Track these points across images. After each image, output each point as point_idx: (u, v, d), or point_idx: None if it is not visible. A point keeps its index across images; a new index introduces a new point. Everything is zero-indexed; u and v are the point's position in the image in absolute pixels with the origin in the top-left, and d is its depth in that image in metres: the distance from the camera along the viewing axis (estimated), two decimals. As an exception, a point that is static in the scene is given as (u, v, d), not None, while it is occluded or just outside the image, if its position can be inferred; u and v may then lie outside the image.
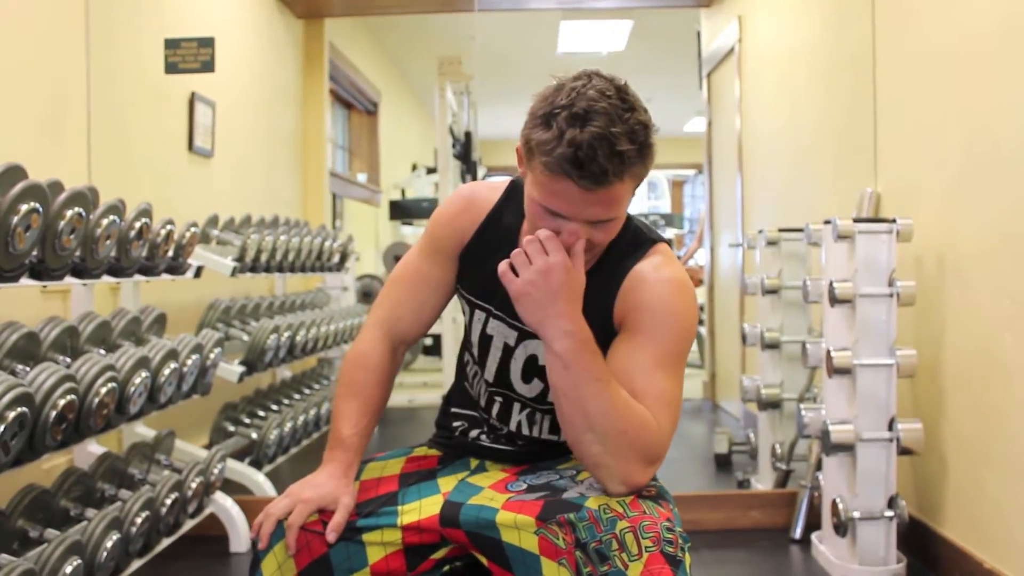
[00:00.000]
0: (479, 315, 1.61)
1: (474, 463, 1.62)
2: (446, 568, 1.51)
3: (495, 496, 1.47)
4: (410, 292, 1.64)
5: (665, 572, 1.29)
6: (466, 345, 1.68)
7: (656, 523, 1.33)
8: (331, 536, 1.43)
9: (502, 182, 1.63)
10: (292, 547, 1.43)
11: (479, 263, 1.59)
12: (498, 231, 1.59)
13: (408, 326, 1.65)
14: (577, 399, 1.37)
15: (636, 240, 1.53)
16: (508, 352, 1.59)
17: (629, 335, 1.46)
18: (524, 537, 1.38)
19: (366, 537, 1.46)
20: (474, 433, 1.64)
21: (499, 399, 1.62)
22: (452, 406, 1.70)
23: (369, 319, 1.67)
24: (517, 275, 1.40)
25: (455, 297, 1.68)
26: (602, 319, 1.48)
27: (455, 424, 1.67)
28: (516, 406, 1.61)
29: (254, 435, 3.79)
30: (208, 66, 3.66)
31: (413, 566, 1.47)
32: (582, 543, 1.33)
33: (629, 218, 1.54)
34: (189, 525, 2.98)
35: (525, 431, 1.61)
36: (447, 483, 1.55)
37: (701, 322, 6.88)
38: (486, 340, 1.61)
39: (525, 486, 1.50)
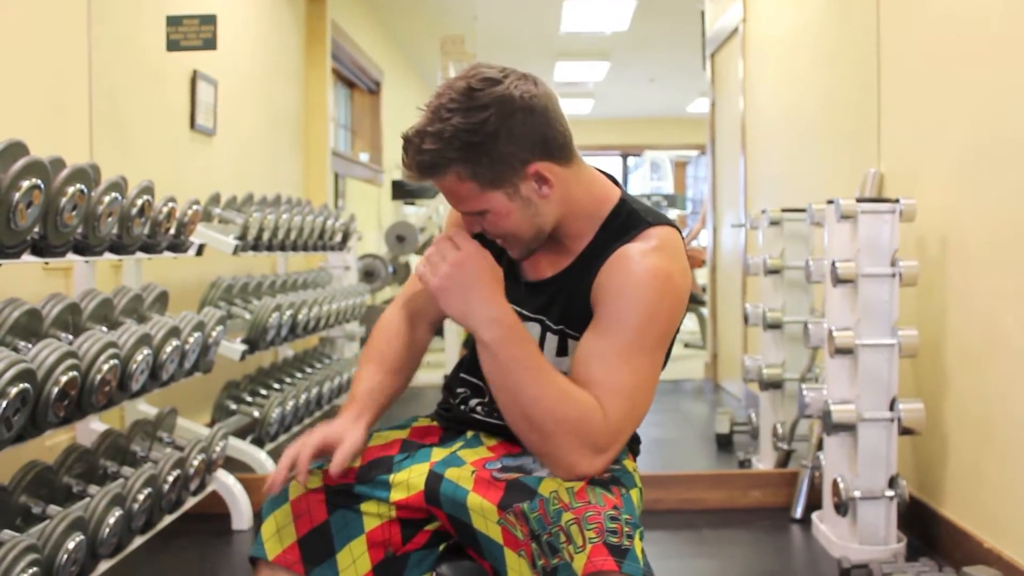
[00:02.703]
0: None
1: (470, 434, 1.62)
2: (442, 546, 1.52)
3: (471, 473, 1.48)
4: None
5: (608, 564, 1.26)
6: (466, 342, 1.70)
7: (600, 512, 1.32)
8: (334, 470, 1.44)
9: None
10: (302, 477, 1.44)
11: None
12: None
13: (424, 303, 1.65)
14: (508, 388, 1.38)
15: (628, 223, 1.49)
16: None
17: (596, 319, 1.43)
18: (490, 526, 1.41)
19: (363, 506, 1.48)
20: (472, 403, 1.64)
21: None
22: (462, 371, 1.69)
23: (398, 295, 1.72)
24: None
25: None
26: (586, 301, 1.47)
27: (459, 390, 1.67)
28: None
29: (256, 413, 3.79)
30: (210, 44, 3.64)
31: (408, 537, 1.49)
32: (535, 535, 1.34)
33: (623, 201, 1.52)
34: (191, 502, 2.99)
35: None
36: (440, 453, 1.56)
37: (703, 303, 6.89)
38: None
39: (500, 465, 1.50)
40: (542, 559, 1.32)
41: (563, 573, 1.29)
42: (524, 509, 1.36)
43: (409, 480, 1.50)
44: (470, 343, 1.70)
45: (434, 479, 1.48)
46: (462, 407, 1.65)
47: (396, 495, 1.48)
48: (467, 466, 1.50)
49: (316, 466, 1.50)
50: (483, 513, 1.41)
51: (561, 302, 1.51)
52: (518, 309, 1.51)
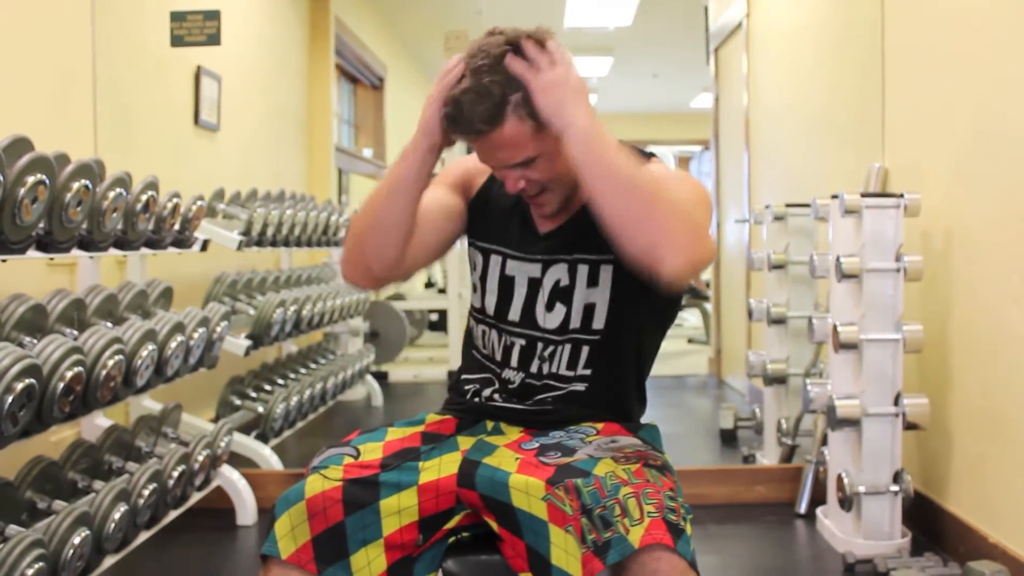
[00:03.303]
0: (495, 260, 1.66)
1: (490, 425, 1.63)
2: (451, 540, 1.51)
3: (509, 455, 1.49)
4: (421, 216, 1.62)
5: (666, 539, 1.30)
6: (477, 309, 1.70)
7: (659, 491, 1.36)
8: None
9: None
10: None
11: (488, 212, 1.67)
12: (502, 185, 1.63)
13: (414, 247, 1.61)
14: (610, 169, 1.37)
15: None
16: (535, 285, 1.62)
17: None
18: (534, 503, 1.39)
19: (383, 504, 1.46)
20: (487, 392, 1.65)
21: (520, 341, 1.63)
22: (463, 374, 1.72)
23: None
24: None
25: (466, 256, 1.72)
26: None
27: (466, 388, 1.69)
28: (539, 345, 1.62)
29: (260, 409, 3.80)
30: (214, 39, 3.64)
31: (426, 539, 1.47)
32: (587, 509, 1.34)
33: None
34: (196, 498, 3.00)
35: (545, 369, 1.62)
36: (466, 442, 1.57)
37: (707, 298, 6.88)
38: (507, 282, 1.65)
39: (537, 445, 1.52)
40: (593, 533, 1.32)
41: (617, 546, 1.30)
42: (577, 484, 1.37)
43: (440, 465, 1.50)
44: (469, 344, 1.73)
45: (469, 465, 1.49)
46: (475, 399, 1.66)
47: (425, 478, 1.48)
48: (502, 450, 1.52)
49: (335, 462, 1.50)
50: (527, 491, 1.40)
51: (582, 237, 1.56)
52: (531, 256, 1.60)
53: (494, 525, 1.46)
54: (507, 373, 1.65)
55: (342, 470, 1.48)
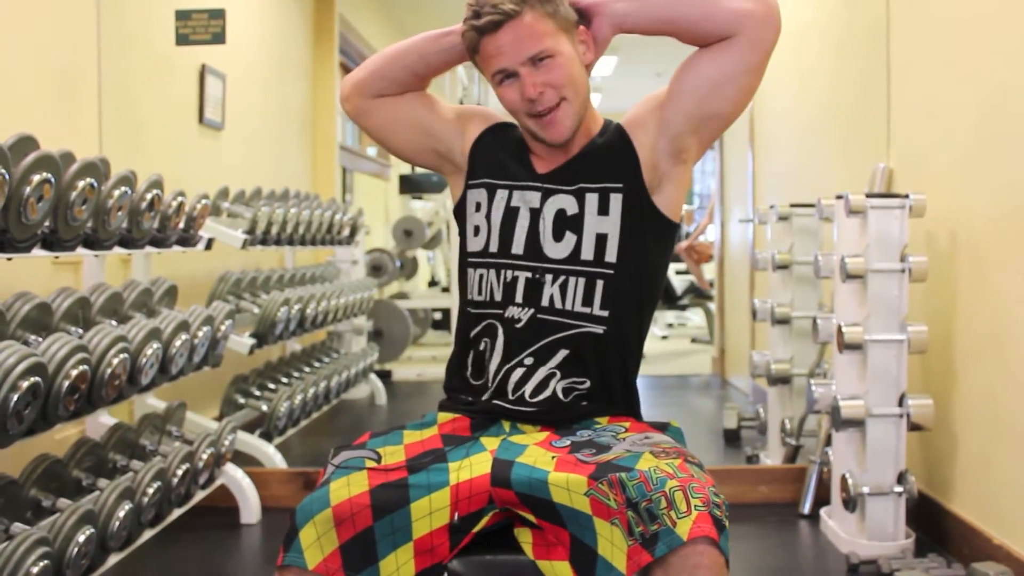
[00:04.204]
0: (501, 194, 1.68)
1: (507, 425, 1.62)
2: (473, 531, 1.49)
3: (542, 454, 1.49)
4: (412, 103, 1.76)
5: (712, 533, 1.30)
6: (476, 253, 1.69)
7: (704, 487, 1.36)
8: None
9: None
10: None
11: (490, 153, 1.73)
12: (506, 132, 1.76)
13: (390, 105, 1.76)
14: None
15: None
16: (536, 215, 1.64)
17: (675, 88, 1.64)
18: (575, 498, 1.40)
19: (415, 507, 1.43)
20: (485, 397, 1.65)
21: (525, 274, 1.63)
22: (466, 371, 1.71)
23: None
24: None
25: (465, 203, 1.74)
26: (621, 159, 1.64)
27: (464, 389, 1.70)
28: (548, 278, 1.62)
29: (264, 407, 3.80)
30: (219, 38, 3.65)
31: (455, 543, 1.45)
32: (633, 502, 1.35)
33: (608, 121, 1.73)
34: (200, 496, 3.00)
35: (558, 304, 1.61)
36: (491, 442, 1.56)
37: (710, 297, 6.88)
38: (511, 215, 1.66)
39: (569, 443, 1.52)
40: (640, 526, 1.33)
41: (665, 538, 1.30)
42: (622, 478, 1.37)
43: (471, 465, 1.49)
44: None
45: (502, 465, 1.47)
46: (480, 401, 1.65)
47: (457, 478, 1.47)
48: (533, 448, 1.51)
49: (356, 465, 1.48)
50: (568, 487, 1.40)
51: (584, 169, 1.64)
52: (536, 184, 1.66)
53: (531, 517, 1.45)
54: (511, 311, 1.63)
55: (366, 474, 1.46)
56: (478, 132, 1.75)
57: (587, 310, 1.61)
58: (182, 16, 3.62)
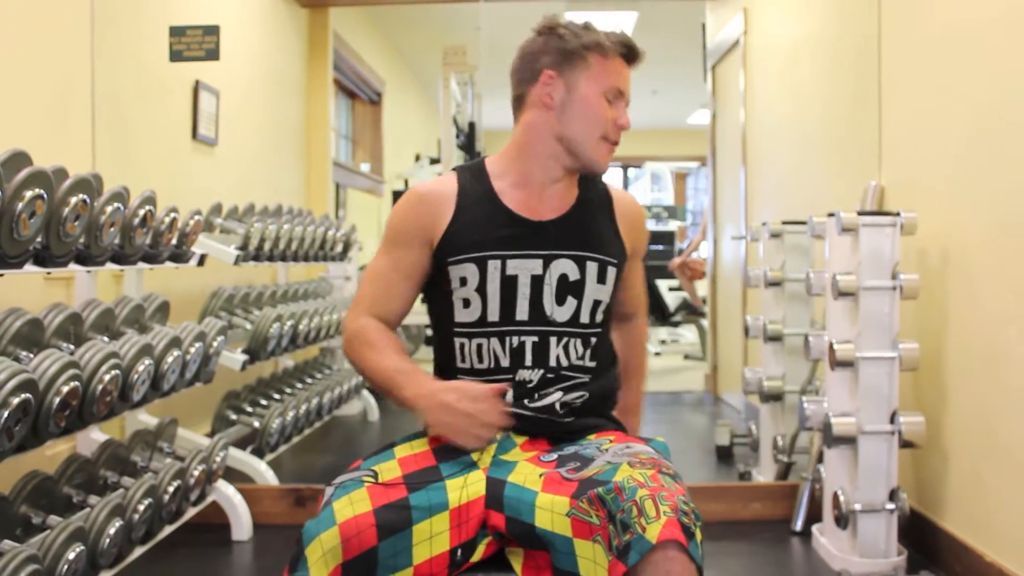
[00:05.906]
0: (493, 265, 1.68)
1: (499, 435, 1.64)
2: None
3: (531, 471, 1.54)
4: (384, 286, 1.75)
5: (680, 537, 1.33)
6: (471, 324, 1.70)
7: (674, 495, 1.40)
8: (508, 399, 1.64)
9: (443, 174, 1.82)
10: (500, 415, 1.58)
11: (468, 229, 1.70)
12: (473, 195, 1.73)
13: (388, 313, 1.77)
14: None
15: (594, 179, 1.83)
16: (538, 282, 1.69)
17: (633, 260, 1.83)
18: (557, 520, 1.44)
19: (416, 530, 1.46)
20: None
21: (532, 339, 1.67)
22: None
23: (350, 314, 1.77)
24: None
25: (443, 281, 1.73)
26: (611, 234, 1.77)
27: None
28: (552, 340, 1.68)
29: (256, 423, 3.79)
30: (213, 54, 3.65)
31: (454, 568, 1.49)
32: (612, 516, 1.39)
33: None
34: (191, 513, 2.99)
35: (563, 362, 1.68)
36: (482, 459, 1.60)
37: (703, 314, 6.88)
38: (510, 283, 1.68)
39: (556, 457, 1.58)
40: (616, 539, 1.36)
41: (636, 546, 1.34)
42: (600, 492, 1.42)
43: (467, 487, 1.53)
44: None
45: (495, 485, 1.53)
46: None
47: (458, 499, 1.51)
48: (523, 465, 1.57)
49: (355, 485, 1.50)
50: (552, 509, 1.46)
51: (584, 235, 1.73)
52: (532, 252, 1.68)
53: (519, 550, 1.50)
54: (522, 374, 1.67)
55: (366, 491, 1.49)
56: (448, 216, 1.72)
57: (580, 363, 1.70)
58: (176, 32, 3.62)
